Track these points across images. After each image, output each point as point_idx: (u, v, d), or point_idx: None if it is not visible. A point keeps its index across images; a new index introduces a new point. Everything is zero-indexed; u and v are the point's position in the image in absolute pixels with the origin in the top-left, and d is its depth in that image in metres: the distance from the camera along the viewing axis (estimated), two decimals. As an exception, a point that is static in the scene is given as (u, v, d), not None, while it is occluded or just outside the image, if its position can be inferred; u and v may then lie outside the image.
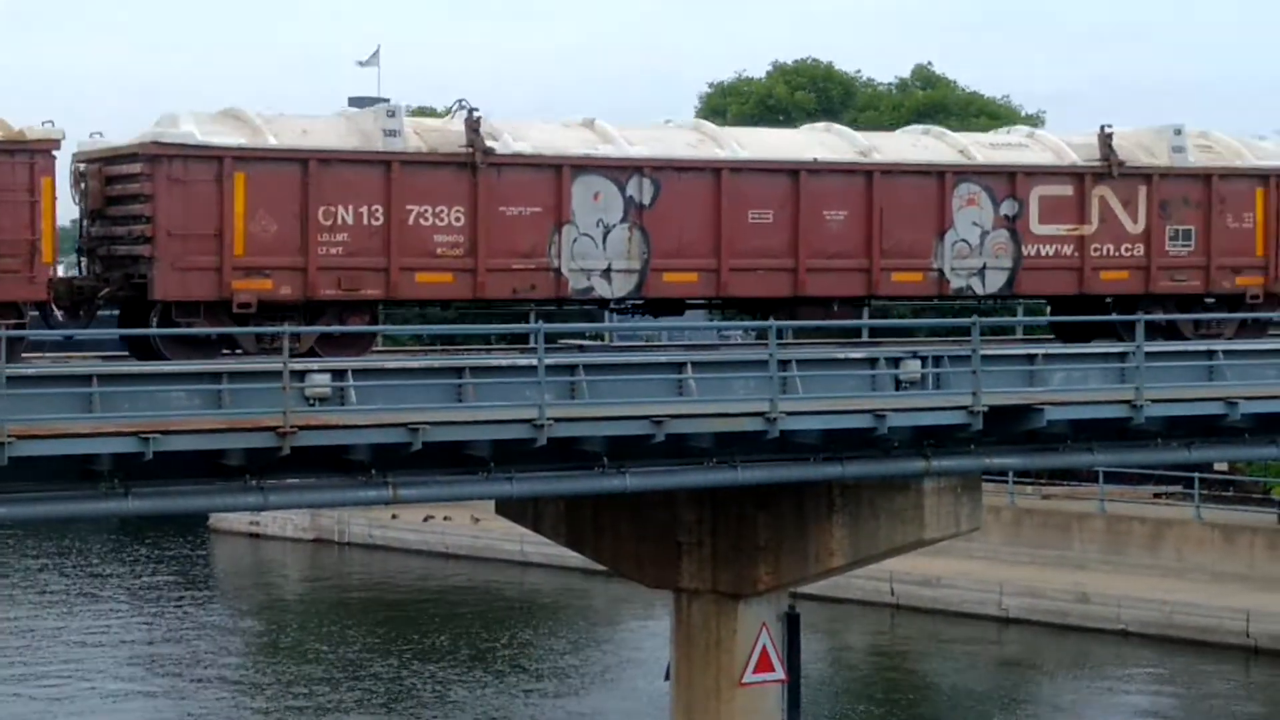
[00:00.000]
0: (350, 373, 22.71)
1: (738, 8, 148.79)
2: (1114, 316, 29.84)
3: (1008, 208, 28.89)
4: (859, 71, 76.02)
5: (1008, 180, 28.92)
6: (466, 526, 59.41)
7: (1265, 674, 41.23)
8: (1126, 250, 29.74)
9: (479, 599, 52.99)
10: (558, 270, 26.13)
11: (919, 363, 25.84)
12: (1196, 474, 47.12)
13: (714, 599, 27.56)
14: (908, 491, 26.25)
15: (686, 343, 33.83)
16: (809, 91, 72.91)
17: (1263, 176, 30.65)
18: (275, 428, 21.29)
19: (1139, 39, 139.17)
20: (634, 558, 29.02)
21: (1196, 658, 42.20)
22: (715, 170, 27.06)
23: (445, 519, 60.50)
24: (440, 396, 23.08)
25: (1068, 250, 29.34)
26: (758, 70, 76.44)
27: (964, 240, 28.58)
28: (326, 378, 22.34)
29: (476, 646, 45.63)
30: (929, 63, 75.27)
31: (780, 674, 27.22)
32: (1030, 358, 26.93)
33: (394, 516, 61.07)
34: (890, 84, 75.11)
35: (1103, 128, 30.16)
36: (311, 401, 22.19)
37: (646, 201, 26.55)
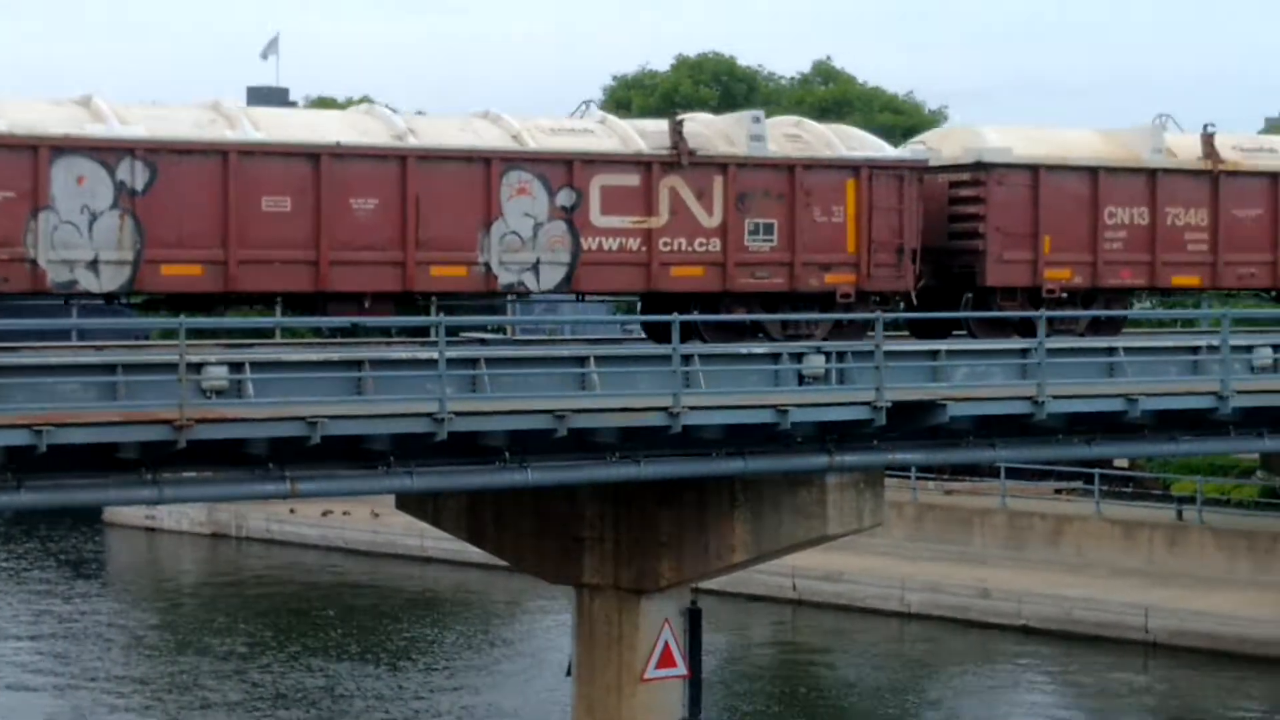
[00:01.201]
0: (248, 365, 22.43)
1: None
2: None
3: (565, 198, 26.91)
4: (761, 66, 76.31)
5: (565, 168, 26.86)
6: (366, 521, 59.01)
7: (1163, 669, 41.45)
8: (701, 245, 27.71)
9: (378, 594, 52.62)
10: (34, 261, 23.91)
11: (822, 358, 25.80)
12: (1097, 470, 47.35)
13: (616, 594, 27.47)
14: (810, 487, 26.24)
15: (589, 336, 33.64)
16: (712, 86, 73.05)
17: (853, 168, 28.61)
18: (171, 420, 21.00)
19: (1050, 36, 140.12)
20: (536, 553, 28.86)
21: (1096, 653, 42.39)
22: (221, 153, 24.91)
23: (344, 514, 60.07)
24: (340, 390, 22.87)
25: (634, 244, 27.34)
26: (663, 63, 76.66)
27: (514, 233, 26.63)
28: (224, 370, 22.08)
29: (374, 643, 45.29)
30: (828, 57, 75.67)
31: (682, 669, 27.17)
32: (933, 354, 26.94)
33: (292, 511, 60.59)
34: (793, 79, 75.38)
35: (673, 114, 28.60)
36: (208, 394, 21.92)
37: (140, 187, 24.43)
